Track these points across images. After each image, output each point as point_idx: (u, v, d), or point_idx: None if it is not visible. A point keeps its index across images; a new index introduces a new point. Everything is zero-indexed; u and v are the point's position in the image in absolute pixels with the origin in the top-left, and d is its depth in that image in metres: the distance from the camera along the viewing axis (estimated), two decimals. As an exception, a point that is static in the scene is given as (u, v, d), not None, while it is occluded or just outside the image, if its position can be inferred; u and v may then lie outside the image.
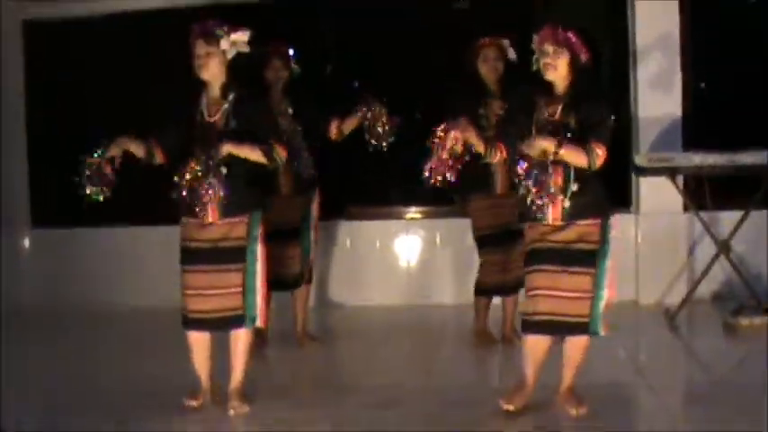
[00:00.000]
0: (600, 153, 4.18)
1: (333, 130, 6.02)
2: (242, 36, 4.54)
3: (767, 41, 7.58)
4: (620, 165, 7.24)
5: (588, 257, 4.24)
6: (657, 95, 7.40)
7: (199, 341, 4.56)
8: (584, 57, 4.37)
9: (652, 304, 7.30)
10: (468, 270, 7.52)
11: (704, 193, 6.69)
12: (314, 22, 8.06)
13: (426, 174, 4.42)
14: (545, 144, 4.14)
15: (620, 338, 6.00)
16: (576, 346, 4.32)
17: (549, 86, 4.37)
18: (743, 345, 5.94)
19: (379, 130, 5.82)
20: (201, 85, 4.55)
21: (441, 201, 8.03)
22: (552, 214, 4.23)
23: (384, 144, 5.80)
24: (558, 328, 4.24)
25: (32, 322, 7.48)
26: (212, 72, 4.49)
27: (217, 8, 7.87)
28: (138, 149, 4.67)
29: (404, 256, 7.90)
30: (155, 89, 7.97)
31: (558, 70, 4.31)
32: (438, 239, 7.87)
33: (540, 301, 4.20)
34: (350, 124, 5.95)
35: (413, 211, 8.04)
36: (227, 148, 4.39)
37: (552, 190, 4.18)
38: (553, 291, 4.20)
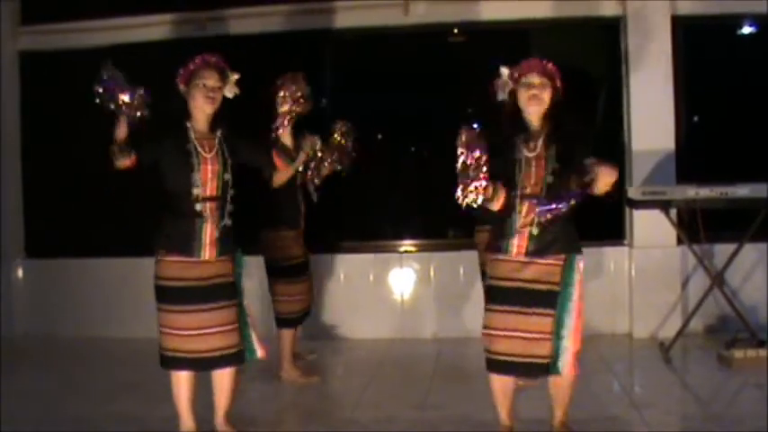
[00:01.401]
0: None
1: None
2: (234, 78, 4.55)
3: (760, 75, 7.63)
4: (613, 198, 7.27)
5: (549, 298, 4.16)
6: (651, 128, 7.43)
7: (186, 379, 4.49)
8: (560, 89, 4.31)
9: (646, 337, 7.30)
10: (461, 303, 7.54)
11: (698, 225, 6.69)
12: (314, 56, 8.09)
13: (461, 192, 4.17)
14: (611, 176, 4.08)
15: (615, 372, 6.00)
16: (558, 384, 4.30)
17: (520, 122, 4.28)
18: (737, 377, 5.92)
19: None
20: (185, 118, 4.48)
21: (434, 234, 8.07)
22: (517, 248, 4.19)
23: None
24: (518, 369, 4.20)
25: (24, 353, 7.44)
26: (215, 107, 4.45)
27: (208, 40, 7.95)
28: (123, 130, 4.45)
29: (397, 289, 7.88)
30: (150, 120, 7.99)
31: (542, 103, 4.25)
32: (432, 272, 7.86)
33: (497, 342, 4.17)
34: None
35: (406, 245, 8.03)
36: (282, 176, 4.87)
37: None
38: (511, 332, 4.15)
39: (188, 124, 4.45)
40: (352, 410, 5.38)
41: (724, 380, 6.00)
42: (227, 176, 4.42)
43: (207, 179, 4.36)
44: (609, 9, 7.65)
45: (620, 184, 7.26)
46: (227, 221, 4.40)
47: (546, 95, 4.24)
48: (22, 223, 8.41)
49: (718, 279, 6.72)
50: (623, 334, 7.38)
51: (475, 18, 7.78)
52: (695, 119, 7.81)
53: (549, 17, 7.74)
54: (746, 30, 7.89)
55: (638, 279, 7.41)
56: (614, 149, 7.67)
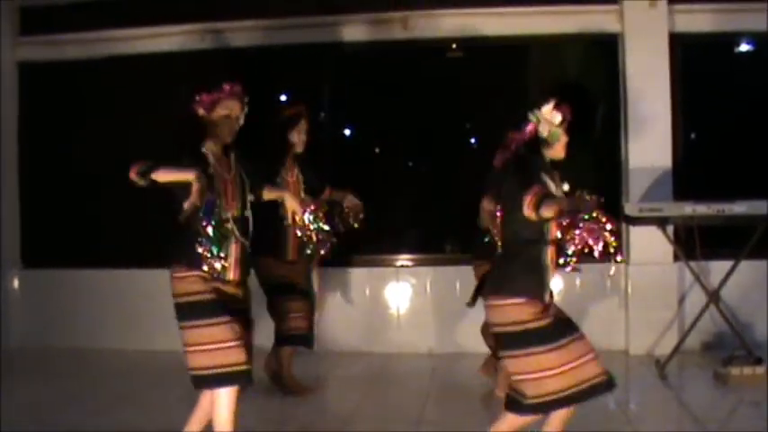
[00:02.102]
0: None
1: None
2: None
3: (756, 92, 7.66)
4: (610, 214, 7.27)
5: (570, 322, 4.13)
6: (648, 145, 7.44)
7: (233, 395, 4.23)
8: None
9: (642, 354, 7.29)
10: (457, 318, 7.53)
11: (694, 242, 6.69)
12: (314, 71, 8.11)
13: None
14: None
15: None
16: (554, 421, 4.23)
17: (542, 158, 4.24)
18: (734, 395, 5.91)
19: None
20: (199, 141, 4.37)
21: (430, 249, 8.06)
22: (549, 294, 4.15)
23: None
24: (581, 397, 4.06)
25: (20, 363, 7.41)
26: (235, 133, 4.40)
27: (207, 53, 7.97)
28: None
29: (393, 304, 7.87)
30: (147, 132, 8.00)
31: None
32: (428, 287, 7.85)
33: (551, 382, 3.97)
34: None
35: (403, 259, 8.02)
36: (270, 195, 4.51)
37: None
38: (565, 365, 4.01)
39: (204, 150, 4.34)
40: (348, 425, 5.37)
41: (720, 397, 6.00)
42: (250, 196, 4.40)
43: (230, 200, 4.31)
44: (607, 26, 7.67)
45: (616, 201, 7.34)
46: (247, 240, 4.34)
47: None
48: (19, 234, 8.40)
49: (714, 296, 6.72)
50: (619, 350, 7.37)
51: (474, 33, 7.80)
52: (692, 136, 7.83)
53: (548, 33, 7.76)
54: (744, 47, 7.92)
55: (635, 295, 7.41)
56: (612, 165, 7.69)
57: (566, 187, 4.22)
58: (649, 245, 7.25)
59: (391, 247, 8.13)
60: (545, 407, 4.03)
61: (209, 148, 4.34)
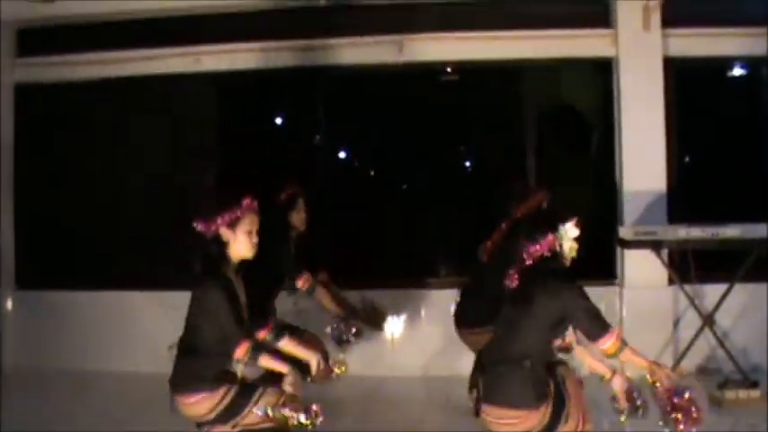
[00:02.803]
0: None
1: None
2: None
3: (750, 116, 7.69)
4: (605, 238, 7.29)
5: None
6: (643, 168, 7.46)
7: None
8: None
9: (637, 378, 7.26)
10: (451, 341, 7.51)
11: (689, 266, 6.70)
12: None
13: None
14: None
15: (606, 412, 5.96)
16: None
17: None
18: (729, 418, 5.91)
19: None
20: (226, 263, 4.34)
21: (425, 272, 8.06)
22: None
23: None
24: None
25: (13, 385, 7.38)
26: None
27: (202, 76, 8.00)
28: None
29: (387, 327, 7.85)
30: (143, 152, 8.03)
31: None
32: (422, 310, 7.84)
33: None
34: None
35: (397, 282, 8.01)
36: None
37: None
38: None
39: (229, 270, 4.32)
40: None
41: (716, 421, 5.97)
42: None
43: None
44: (602, 50, 7.69)
45: (610, 225, 7.35)
46: None
47: None
48: (13, 255, 8.38)
49: (709, 319, 6.73)
50: (614, 373, 7.35)
51: (468, 57, 7.83)
52: (687, 159, 7.85)
53: (543, 57, 7.79)
54: (738, 71, 7.96)
55: (629, 319, 7.40)
56: (606, 189, 7.70)
57: None
58: (644, 268, 7.26)
59: (385, 271, 8.12)
60: None
61: (230, 266, 4.33)
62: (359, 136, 8.36)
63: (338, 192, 8.06)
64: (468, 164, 8.51)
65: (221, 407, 4.17)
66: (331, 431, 5.89)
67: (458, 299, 6.16)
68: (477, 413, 4.20)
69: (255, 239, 4.33)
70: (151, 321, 7.63)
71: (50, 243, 8.33)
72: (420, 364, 7.71)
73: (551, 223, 4.26)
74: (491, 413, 4.14)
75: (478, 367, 4.30)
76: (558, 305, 4.13)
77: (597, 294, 7.41)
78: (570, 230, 4.26)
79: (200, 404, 4.16)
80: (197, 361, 4.19)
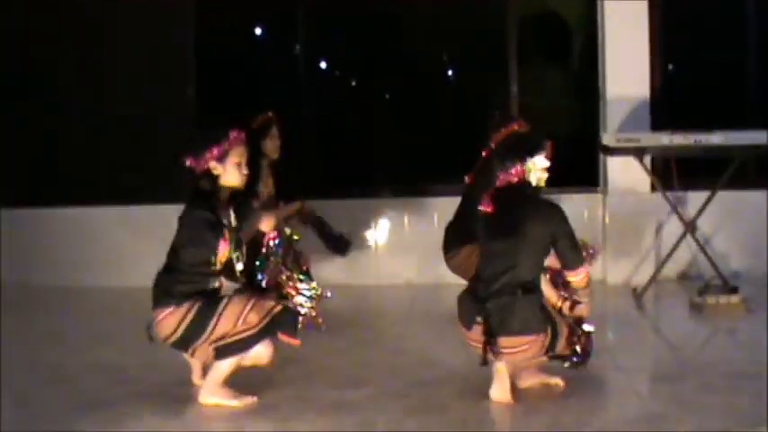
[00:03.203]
0: None
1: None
2: None
3: (735, 23, 7.64)
4: (587, 144, 7.29)
5: None
6: (626, 76, 7.42)
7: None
8: None
9: (619, 283, 7.35)
10: (435, 250, 7.55)
11: (671, 173, 6.71)
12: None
13: None
14: None
15: (589, 317, 6.03)
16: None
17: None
18: (709, 323, 5.99)
19: None
20: (215, 195, 4.33)
21: (408, 181, 8.06)
22: None
23: None
24: None
25: (1, 302, 7.38)
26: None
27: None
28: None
29: (371, 236, 7.88)
30: (122, 60, 7.92)
31: None
32: (406, 219, 7.86)
33: None
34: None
35: (380, 191, 8.01)
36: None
37: None
38: None
39: (217, 202, 4.32)
40: (328, 357, 5.39)
41: (696, 326, 6.07)
42: (238, 247, 4.41)
43: (225, 247, 4.33)
44: (586, -46, 7.60)
45: (593, 132, 7.35)
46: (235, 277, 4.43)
47: None
48: (-2, 173, 8.34)
49: (691, 226, 6.77)
50: (597, 280, 7.40)
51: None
52: (670, 66, 7.81)
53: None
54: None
55: (612, 225, 7.46)
56: (589, 96, 7.67)
57: None
58: (627, 175, 7.27)
59: (368, 180, 8.12)
60: None
61: (219, 199, 4.35)
62: (340, 49, 8.27)
63: (322, 103, 8.01)
64: (450, 73, 8.45)
65: (185, 323, 4.20)
66: (317, 340, 5.98)
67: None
68: (484, 360, 4.21)
69: (245, 170, 4.37)
70: (138, 237, 7.64)
71: (33, 160, 8.26)
72: (404, 272, 7.75)
73: (521, 154, 4.26)
74: (506, 344, 4.16)
75: (475, 302, 4.29)
76: (549, 229, 4.16)
77: (580, 201, 7.57)
78: (539, 162, 4.27)
79: (167, 321, 4.19)
80: (172, 277, 4.24)
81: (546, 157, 4.30)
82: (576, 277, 4.27)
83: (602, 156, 7.39)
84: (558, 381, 4.50)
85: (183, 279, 4.26)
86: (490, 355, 4.17)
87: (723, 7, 7.75)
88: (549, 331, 4.16)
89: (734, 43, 7.67)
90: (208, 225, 4.24)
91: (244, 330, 4.25)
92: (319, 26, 8.13)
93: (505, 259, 4.19)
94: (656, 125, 7.31)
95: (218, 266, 4.33)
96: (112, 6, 7.98)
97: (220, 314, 4.22)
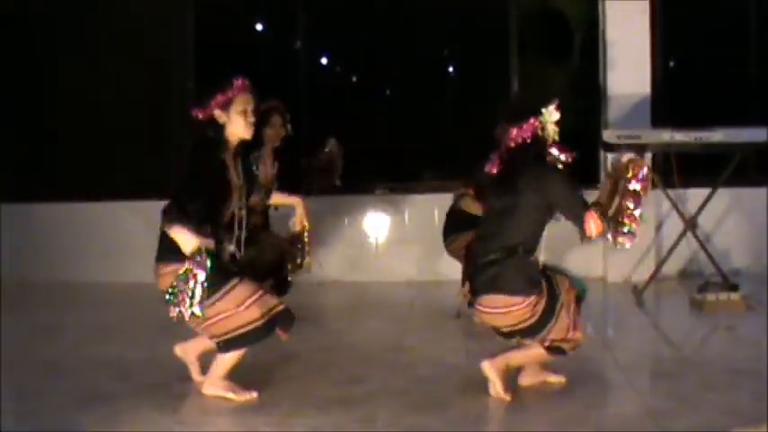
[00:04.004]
0: None
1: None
2: None
3: (736, 20, 7.63)
4: (588, 141, 7.28)
5: None
6: (627, 73, 7.42)
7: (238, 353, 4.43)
8: None
9: (620, 281, 7.35)
10: (436, 246, 7.56)
11: (672, 170, 6.71)
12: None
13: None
14: None
15: (589, 314, 6.04)
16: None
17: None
18: (709, 320, 5.99)
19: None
20: (221, 146, 4.30)
21: (409, 177, 8.06)
22: None
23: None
24: None
25: (1, 297, 7.39)
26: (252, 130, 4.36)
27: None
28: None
29: (372, 233, 7.88)
30: (121, 58, 7.90)
31: None
32: (406, 215, 7.86)
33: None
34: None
35: (381, 187, 8.01)
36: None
37: None
38: None
39: (224, 153, 4.29)
40: (329, 353, 5.40)
41: (696, 323, 6.07)
42: (245, 200, 4.41)
43: (233, 203, 4.31)
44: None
45: (594, 128, 7.34)
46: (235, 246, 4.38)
47: None
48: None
49: (691, 223, 6.76)
50: (597, 278, 7.43)
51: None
52: (671, 63, 7.81)
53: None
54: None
55: (612, 223, 7.44)
56: (590, 93, 7.67)
57: None
58: (627, 172, 7.26)
59: (370, 176, 8.12)
60: None
61: (227, 150, 4.31)
62: (340, 44, 8.27)
63: (320, 96, 8.00)
64: (452, 70, 8.44)
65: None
66: (318, 337, 5.99)
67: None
68: (469, 304, 4.25)
69: (251, 119, 4.32)
70: (137, 232, 7.64)
71: (32, 155, 8.25)
72: (405, 269, 7.76)
73: (533, 107, 4.25)
74: (484, 303, 4.17)
75: (470, 262, 4.30)
76: (543, 195, 4.14)
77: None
78: (552, 113, 4.25)
79: (170, 278, 4.11)
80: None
81: (557, 109, 4.28)
82: (589, 233, 4.18)
83: (602, 152, 7.38)
84: (560, 379, 4.50)
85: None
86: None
87: (724, 4, 7.75)
88: (536, 301, 4.13)
89: (735, 40, 7.66)
90: (213, 172, 4.20)
91: (246, 324, 4.24)
92: (320, 20, 8.11)
93: (501, 220, 4.19)
94: (657, 122, 7.30)
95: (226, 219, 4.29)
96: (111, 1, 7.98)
97: (226, 293, 4.19)
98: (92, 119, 8.04)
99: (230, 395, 4.37)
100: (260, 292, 4.28)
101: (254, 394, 4.40)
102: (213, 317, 4.19)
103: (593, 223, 4.11)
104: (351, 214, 7.89)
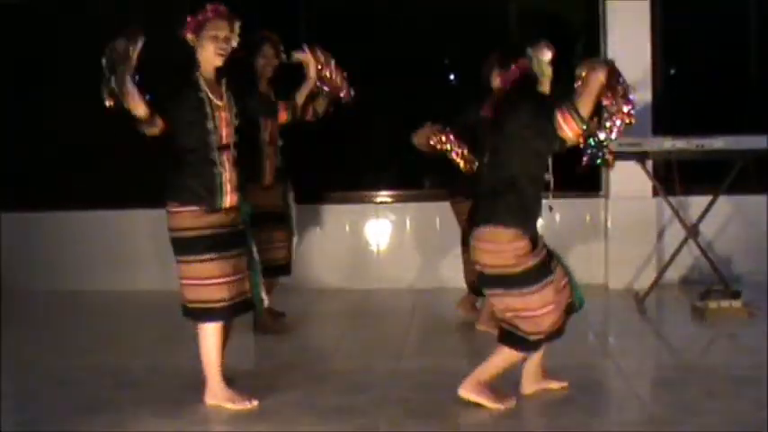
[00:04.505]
0: None
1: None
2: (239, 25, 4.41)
3: (737, 27, 7.64)
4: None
5: None
6: (628, 79, 7.38)
7: (217, 330, 4.39)
8: None
9: (621, 288, 7.34)
10: (437, 254, 7.56)
11: (673, 177, 6.71)
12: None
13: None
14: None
15: (590, 322, 6.04)
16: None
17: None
18: (711, 328, 5.98)
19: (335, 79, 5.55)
20: (194, 68, 4.35)
21: (410, 184, 8.06)
22: None
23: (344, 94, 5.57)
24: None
25: (3, 306, 7.37)
26: (226, 56, 4.35)
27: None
28: (141, 105, 4.15)
29: (373, 240, 7.88)
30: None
31: None
32: (408, 223, 7.85)
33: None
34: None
35: (383, 195, 8.01)
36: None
37: None
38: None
39: (197, 74, 4.34)
40: (330, 361, 5.40)
41: (698, 330, 6.06)
42: (236, 122, 4.40)
43: (222, 127, 4.32)
44: (587, -42, 7.61)
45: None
46: (237, 168, 4.38)
47: None
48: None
49: (693, 231, 6.76)
50: (599, 285, 7.42)
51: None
52: (672, 70, 7.81)
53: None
54: (725, -19, 7.88)
55: (614, 230, 7.44)
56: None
57: None
58: (628, 180, 7.25)
59: (370, 184, 8.12)
60: (541, 344, 4.20)
61: (202, 74, 4.34)
62: (339, 46, 8.25)
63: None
64: (451, 75, 8.44)
65: (187, 233, 4.30)
66: (319, 344, 5.99)
67: None
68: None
69: (224, 45, 4.31)
70: (140, 240, 7.65)
71: (32, 164, 8.24)
72: (407, 276, 7.75)
73: (522, 49, 4.26)
74: (475, 236, 4.16)
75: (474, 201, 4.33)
76: (523, 125, 4.08)
77: (582, 206, 7.57)
78: (543, 52, 4.24)
79: (174, 218, 4.30)
80: (177, 172, 4.32)
81: (548, 48, 4.24)
82: (566, 134, 4.05)
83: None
84: (562, 384, 4.49)
85: (189, 172, 4.27)
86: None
87: (725, 11, 7.75)
88: (526, 250, 4.07)
89: (736, 47, 7.66)
90: (187, 102, 4.25)
91: (214, 301, 4.28)
92: (321, 28, 8.12)
93: (494, 157, 4.19)
94: (658, 129, 7.30)
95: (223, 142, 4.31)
96: (111, 9, 7.96)
97: (213, 259, 4.25)
98: (95, 126, 8.03)
99: (230, 405, 4.37)
100: (240, 274, 4.32)
101: (255, 403, 4.40)
102: (186, 278, 4.29)
103: (566, 126, 4.01)
104: (352, 222, 7.88)
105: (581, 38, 7.95)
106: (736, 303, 6.23)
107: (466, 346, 5.72)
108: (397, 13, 7.96)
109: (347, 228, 7.90)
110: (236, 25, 4.39)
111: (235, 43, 4.39)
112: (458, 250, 6.16)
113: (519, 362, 4.34)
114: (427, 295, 7.39)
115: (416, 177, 8.13)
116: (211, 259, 4.26)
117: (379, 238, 7.89)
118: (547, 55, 4.23)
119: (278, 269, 6.04)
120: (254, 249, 4.51)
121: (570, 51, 7.99)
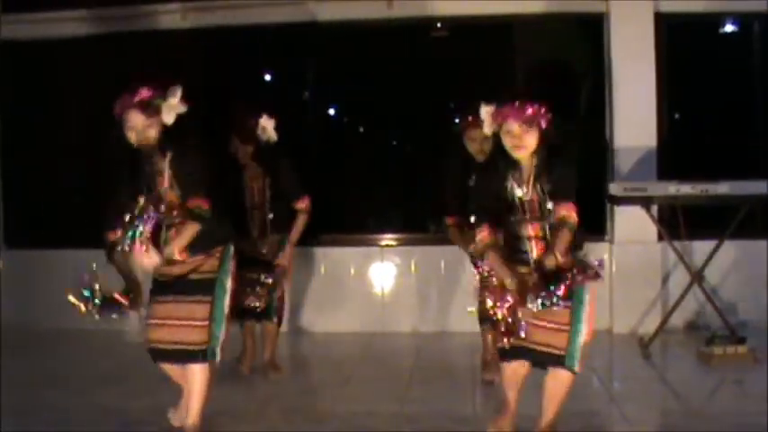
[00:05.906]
0: (571, 216, 4.23)
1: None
2: (175, 98, 4.34)
3: (741, 73, 7.67)
4: (595, 194, 7.29)
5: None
6: (633, 125, 7.45)
7: (202, 371, 4.45)
8: (547, 128, 4.24)
9: (626, 333, 7.32)
10: (441, 297, 7.55)
11: (678, 222, 6.71)
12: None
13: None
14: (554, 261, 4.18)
15: (595, 367, 6.01)
16: (557, 380, 4.30)
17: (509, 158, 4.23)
18: (716, 374, 5.95)
19: None
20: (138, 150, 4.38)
21: (415, 228, 8.06)
22: None
23: None
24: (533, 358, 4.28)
25: (2, 343, 7.36)
26: (151, 140, 4.33)
27: (190, 32, 7.91)
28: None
29: (378, 283, 7.87)
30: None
31: (526, 149, 4.19)
32: (412, 266, 7.84)
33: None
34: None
35: (387, 238, 8.01)
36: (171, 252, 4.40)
37: None
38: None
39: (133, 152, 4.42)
40: (333, 404, 5.37)
41: (703, 376, 6.03)
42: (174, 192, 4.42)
43: (157, 200, 4.40)
44: (592, 5, 7.64)
45: (600, 181, 7.36)
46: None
47: (529, 140, 4.19)
48: (2, 214, 8.34)
49: (698, 276, 6.74)
50: (603, 329, 7.38)
51: (458, 13, 7.76)
52: (677, 116, 7.84)
53: (533, 12, 7.73)
54: (729, 28, 7.92)
55: (619, 275, 7.42)
56: (597, 145, 7.69)
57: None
58: (633, 224, 7.26)
59: (376, 227, 8.13)
60: None
61: (146, 157, 4.42)
62: (347, 93, 8.31)
63: (327, 148, 8.04)
64: (457, 120, 8.47)
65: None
66: (322, 388, 5.96)
67: None
68: None
69: (141, 136, 4.32)
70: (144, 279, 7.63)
71: (38, 201, 8.28)
72: (410, 320, 7.73)
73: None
74: None
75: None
76: None
77: (587, 250, 7.53)
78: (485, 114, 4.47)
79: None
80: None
81: (513, 119, 4.28)
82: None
83: (609, 205, 7.39)
84: None
85: (129, 218, 4.41)
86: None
87: (729, 58, 7.79)
88: None
89: (740, 93, 7.69)
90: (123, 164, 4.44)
91: (153, 341, 4.44)
92: (327, 71, 8.17)
93: None
94: (663, 174, 7.31)
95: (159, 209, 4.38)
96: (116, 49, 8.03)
97: (149, 300, 4.48)
98: (96, 166, 8.07)
99: None
100: (173, 320, 4.40)
101: None
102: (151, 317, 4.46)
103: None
104: (356, 265, 7.87)
105: (586, 84, 7.99)
106: (742, 349, 6.20)
107: (472, 391, 5.69)
108: (403, 59, 7.99)
109: (352, 270, 7.89)
110: (167, 101, 4.34)
111: (169, 118, 4.33)
112: (462, 295, 6.14)
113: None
114: (431, 339, 7.36)
115: (421, 221, 8.13)
116: (156, 302, 4.50)
117: (383, 282, 7.87)
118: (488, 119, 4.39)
119: (255, 313, 5.99)
120: (224, 301, 4.48)
121: (576, 99, 8.04)
